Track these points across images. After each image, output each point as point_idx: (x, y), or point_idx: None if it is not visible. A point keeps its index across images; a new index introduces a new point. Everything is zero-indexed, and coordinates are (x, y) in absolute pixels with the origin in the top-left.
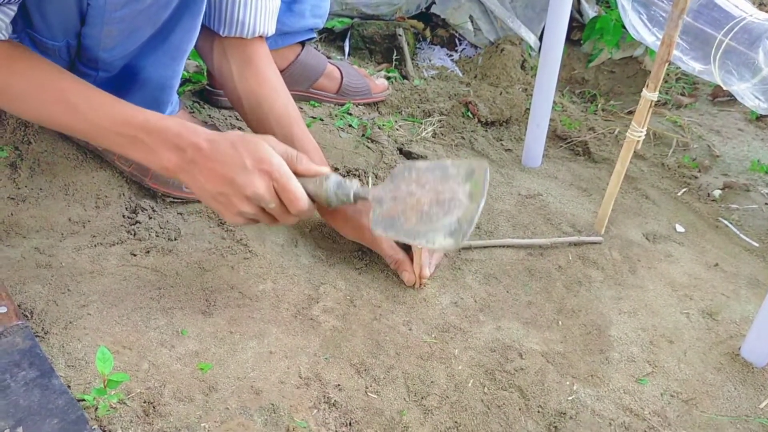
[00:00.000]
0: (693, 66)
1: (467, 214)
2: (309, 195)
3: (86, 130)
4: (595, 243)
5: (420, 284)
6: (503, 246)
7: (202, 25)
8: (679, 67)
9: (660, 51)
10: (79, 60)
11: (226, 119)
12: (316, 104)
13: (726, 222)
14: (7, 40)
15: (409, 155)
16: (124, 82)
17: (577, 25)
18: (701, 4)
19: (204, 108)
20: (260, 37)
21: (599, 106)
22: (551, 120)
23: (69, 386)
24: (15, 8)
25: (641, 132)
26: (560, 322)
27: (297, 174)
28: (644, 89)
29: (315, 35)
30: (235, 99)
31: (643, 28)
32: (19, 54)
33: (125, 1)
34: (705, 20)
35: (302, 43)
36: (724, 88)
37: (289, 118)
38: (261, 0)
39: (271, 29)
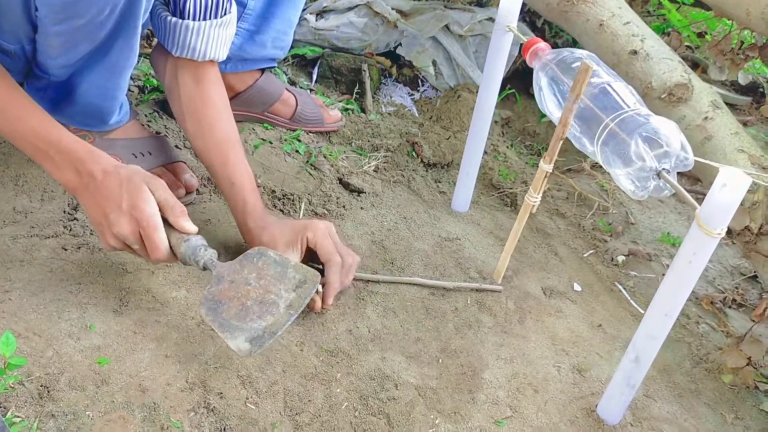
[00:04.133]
0: (586, 145)
1: (275, 325)
2: (171, 246)
3: (8, 134)
4: (495, 291)
5: (322, 310)
6: (409, 284)
7: (160, 43)
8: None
9: (557, 129)
10: (35, 64)
11: (180, 131)
12: (269, 127)
13: (620, 287)
14: None
15: (347, 186)
16: (71, 89)
17: None
18: (595, 93)
19: (162, 118)
20: (211, 60)
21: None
22: (490, 169)
23: None
24: None
25: (537, 198)
26: (441, 360)
27: (168, 222)
28: (541, 161)
29: (275, 64)
30: (180, 116)
31: (553, 105)
32: None
33: (62, 17)
34: (598, 105)
35: (262, 70)
36: (606, 170)
37: (228, 143)
38: (213, 30)
39: (222, 55)
